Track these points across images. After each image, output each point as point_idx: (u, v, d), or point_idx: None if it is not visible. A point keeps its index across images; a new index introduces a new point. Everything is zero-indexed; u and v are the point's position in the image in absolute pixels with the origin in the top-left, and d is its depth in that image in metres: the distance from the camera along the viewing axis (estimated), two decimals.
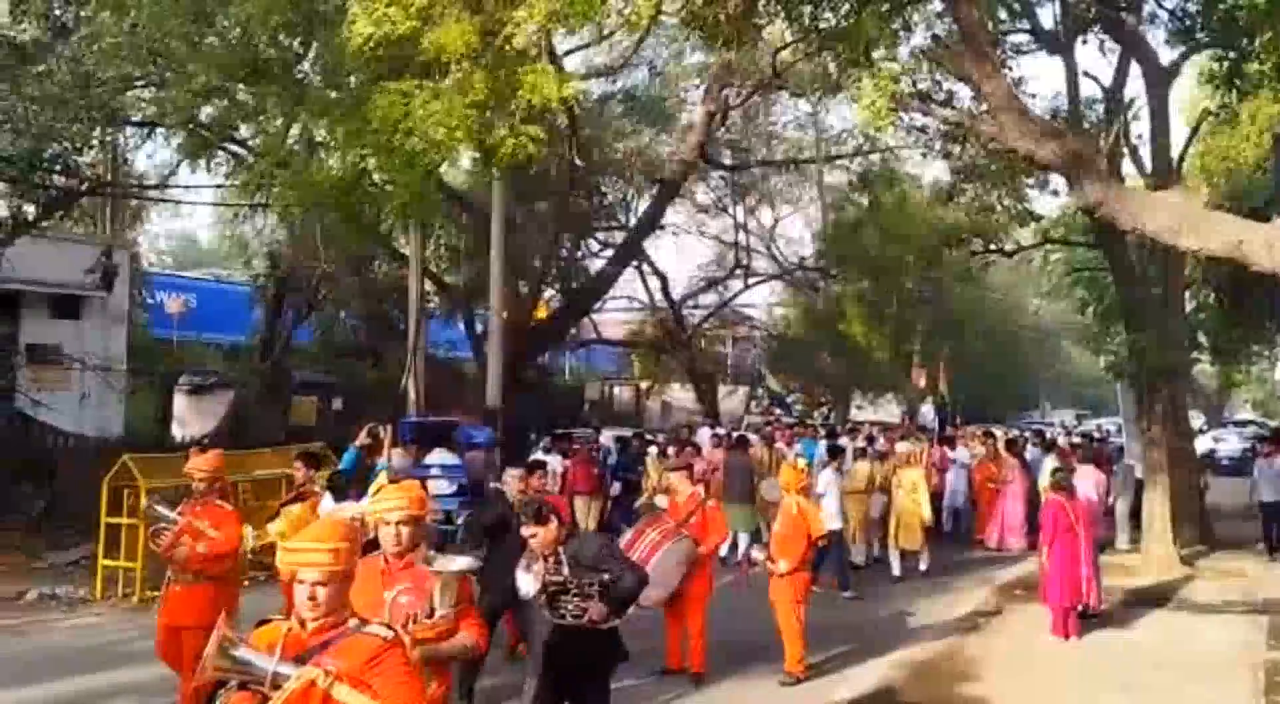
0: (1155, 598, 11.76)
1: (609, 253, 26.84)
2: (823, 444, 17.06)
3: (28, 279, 15.93)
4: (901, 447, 15.01)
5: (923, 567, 13.50)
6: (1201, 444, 23.41)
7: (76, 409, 16.37)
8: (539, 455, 14.69)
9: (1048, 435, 22.26)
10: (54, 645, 9.42)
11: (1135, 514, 15.05)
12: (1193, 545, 14.54)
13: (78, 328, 17.68)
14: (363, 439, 7.93)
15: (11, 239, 14.01)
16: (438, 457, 13.90)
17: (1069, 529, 9.81)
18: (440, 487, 12.91)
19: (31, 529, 13.65)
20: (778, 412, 30.54)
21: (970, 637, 10.04)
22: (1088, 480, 12.27)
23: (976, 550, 15.61)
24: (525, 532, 5.45)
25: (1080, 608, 9.97)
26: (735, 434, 18.20)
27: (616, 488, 15.93)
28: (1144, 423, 14.35)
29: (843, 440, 17.06)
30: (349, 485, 7.25)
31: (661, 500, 12.12)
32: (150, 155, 44.45)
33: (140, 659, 8.01)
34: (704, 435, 18.59)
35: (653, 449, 16.73)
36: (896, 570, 13.38)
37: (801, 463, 12.15)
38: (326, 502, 7.11)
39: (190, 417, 20.52)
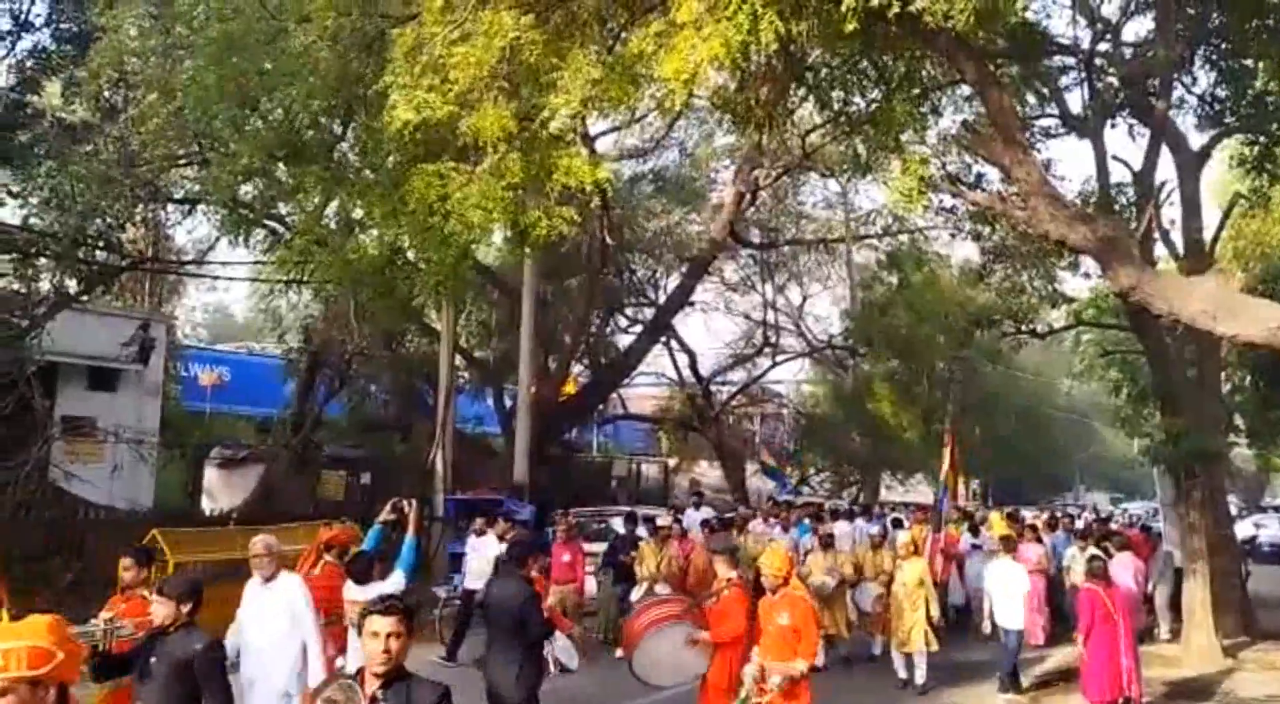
0: (1198, 691, 11.42)
1: (638, 329, 26.99)
2: (845, 523, 16.74)
3: (66, 352, 16.16)
4: (902, 536, 13.13)
5: (919, 678, 11.28)
6: (1242, 530, 22.91)
7: (108, 481, 16.45)
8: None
9: (1074, 519, 21.27)
10: None
11: (1175, 603, 14.65)
12: (1235, 635, 14.12)
13: (112, 400, 17.87)
14: (386, 514, 7.82)
15: (53, 313, 14.27)
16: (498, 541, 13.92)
17: (1107, 619, 9.53)
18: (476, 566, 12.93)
19: (59, 601, 13.61)
20: (772, 487, 29.96)
21: None
22: (1126, 568, 12.01)
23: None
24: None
25: (1122, 701, 9.67)
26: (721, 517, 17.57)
27: (592, 582, 14.46)
28: (1182, 509, 14.08)
29: (841, 524, 16.22)
30: (372, 565, 7.11)
31: (661, 589, 11.89)
32: (190, 231, 45.32)
33: None
34: (693, 518, 16.84)
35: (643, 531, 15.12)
36: (901, 672, 11.57)
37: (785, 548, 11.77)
38: (350, 589, 7.02)
39: (220, 490, 20.65)
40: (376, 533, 7.57)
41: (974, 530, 16.56)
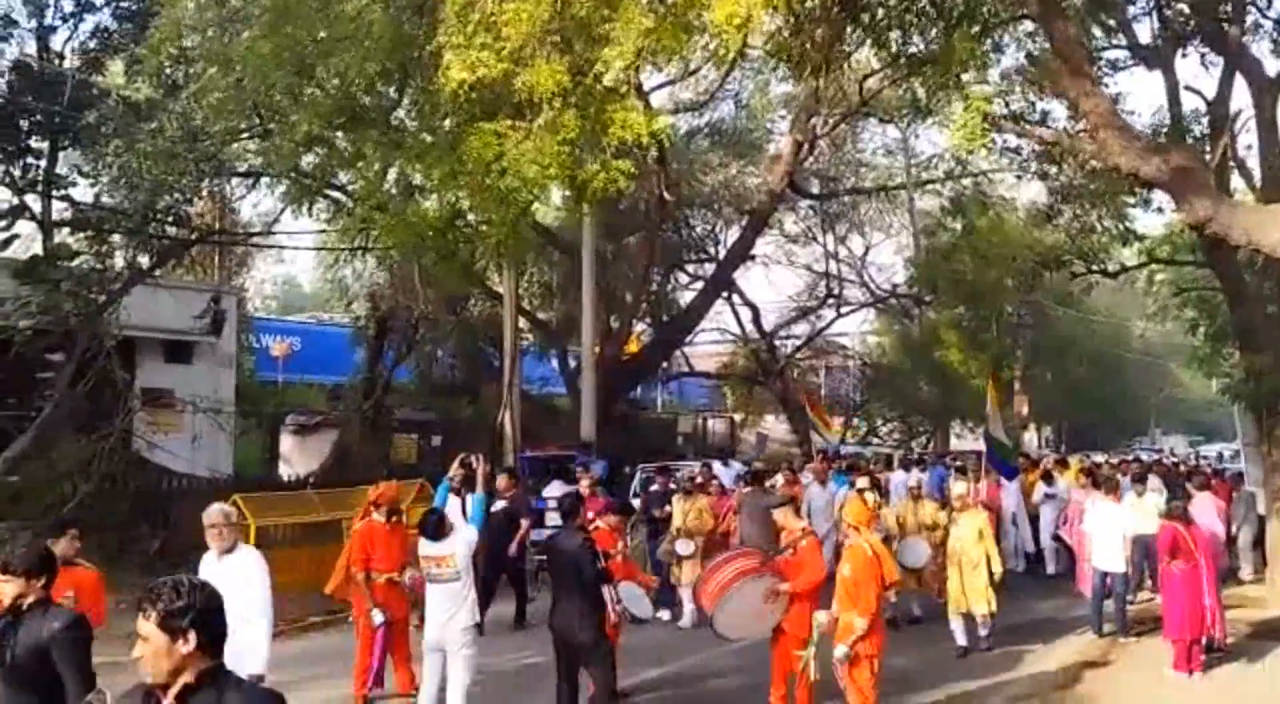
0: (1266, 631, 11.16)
1: (699, 285, 26.88)
2: (901, 473, 16.29)
3: (143, 326, 16.60)
4: (958, 487, 11.40)
5: (983, 632, 10.44)
6: None
7: (189, 450, 16.93)
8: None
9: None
10: None
11: (1259, 544, 14.33)
12: None
13: (189, 372, 18.33)
14: (455, 471, 7.96)
15: (128, 288, 14.64)
16: (554, 489, 14.05)
17: (1189, 557, 9.36)
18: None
19: (147, 567, 14.11)
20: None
21: (1087, 672, 9.63)
22: (1206, 508, 11.75)
23: (1062, 600, 13.35)
24: None
25: (1205, 642, 9.52)
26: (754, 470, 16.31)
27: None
28: (1264, 448, 13.72)
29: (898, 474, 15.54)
30: (443, 521, 7.19)
31: (682, 546, 11.51)
32: (255, 204, 46.20)
33: None
34: (723, 475, 16.11)
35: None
36: (961, 639, 10.47)
37: (871, 499, 11.27)
38: (424, 543, 7.15)
39: (296, 456, 21.16)
40: (445, 489, 7.69)
41: (1048, 478, 15.87)
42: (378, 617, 8.21)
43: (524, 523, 11.83)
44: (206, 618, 3.05)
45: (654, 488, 14.13)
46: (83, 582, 5.75)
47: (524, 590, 12.01)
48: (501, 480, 12.05)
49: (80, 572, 5.91)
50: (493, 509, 11.00)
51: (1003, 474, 14.71)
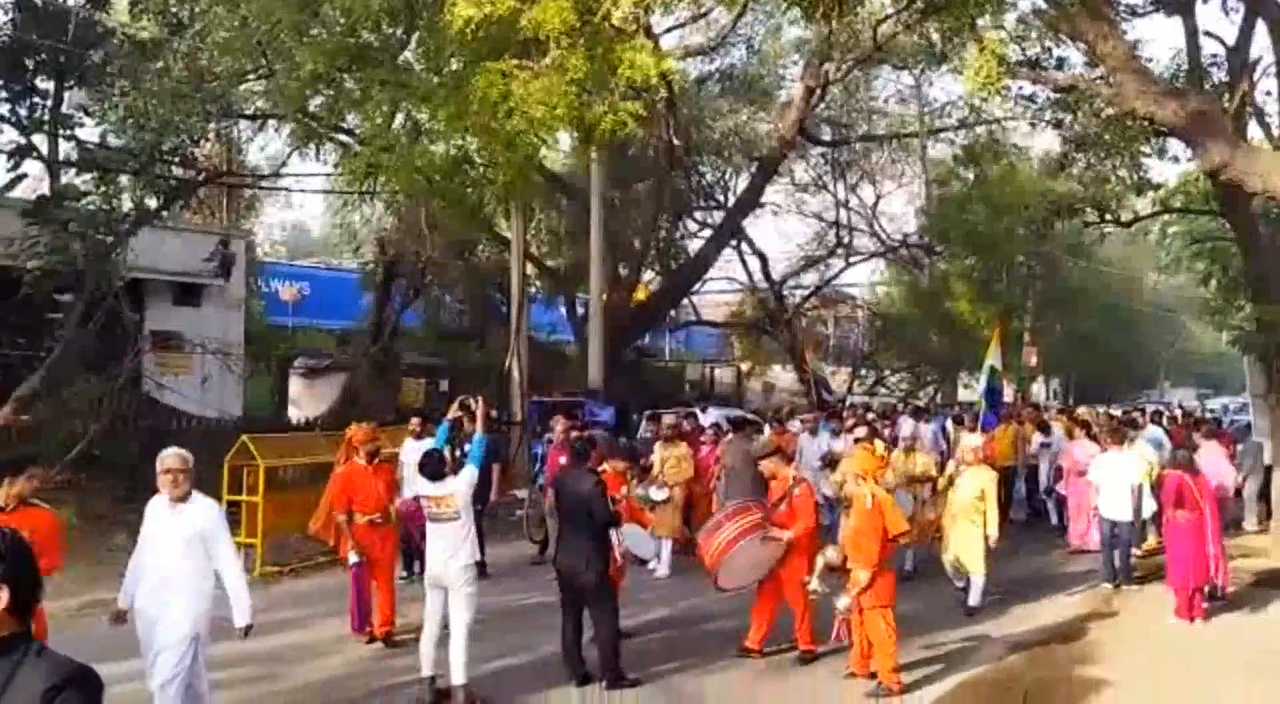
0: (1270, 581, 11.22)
1: (708, 233, 26.72)
2: (909, 422, 16.14)
3: (151, 268, 16.59)
4: (969, 439, 10.81)
5: (973, 601, 9.80)
6: None
7: (198, 392, 17.01)
8: None
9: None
10: None
11: (1265, 494, 14.34)
12: None
13: (198, 315, 18.35)
14: (454, 412, 7.99)
15: (136, 229, 14.60)
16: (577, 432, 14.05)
17: (1194, 507, 9.38)
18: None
19: None
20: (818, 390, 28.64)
21: (1090, 619, 9.70)
22: (1212, 457, 11.73)
23: (1062, 552, 13.37)
24: None
25: (1208, 590, 9.57)
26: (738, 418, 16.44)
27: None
28: (1272, 399, 13.68)
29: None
30: (444, 462, 7.18)
31: (657, 492, 10.43)
32: (263, 147, 45.91)
33: (260, 631, 8.26)
34: (702, 421, 15.99)
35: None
36: (960, 581, 10.03)
37: (880, 446, 11.17)
38: (423, 483, 7.20)
39: (305, 399, 21.26)
40: (445, 430, 7.73)
41: (1044, 429, 15.97)
42: (353, 557, 8.46)
43: (495, 468, 11.69)
44: (19, 575, 2.57)
45: (643, 435, 14.10)
46: (40, 522, 5.59)
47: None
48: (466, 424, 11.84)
49: (38, 512, 5.77)
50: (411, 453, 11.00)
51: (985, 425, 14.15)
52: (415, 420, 11.57)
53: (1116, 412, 20.10)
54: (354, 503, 8.62)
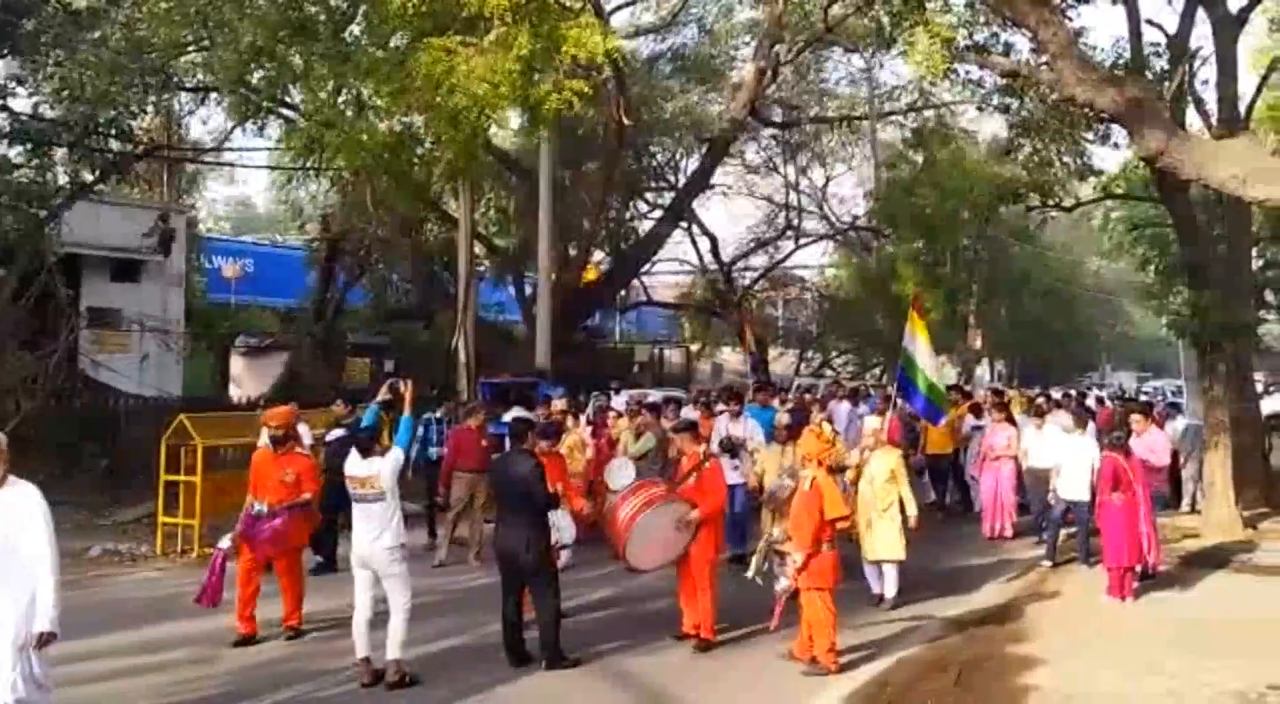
0: (1215, 559, 11.50)
1: (658, 214, 26.70)
2: (845, 405, 15.93)
3: (87, 243, 16.23)
4: (871, 422, 10.14)
5: (888, 591, 9.42)
6: (1268, 405, 22.73)
7: (136, 371, 16.71)
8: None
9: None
10: (117, 599, 9.67)
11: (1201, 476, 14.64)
12: (1256, 507, 14.18)
13: (137, 291, 18.00)
14: (383, 395, 7.95)
15: (70, 203, 14.26)
16: (515, 414, 13.95)
17: (1128, 487, 9.55)
18: None
19: (95, 487, 14.00)
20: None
21: (1023, 597, 9.88)
22: (1149, 439, 11.91)
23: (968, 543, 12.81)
24: None
25: (1140, 568, 9.76)
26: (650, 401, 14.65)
27: None
28: (1206, 382, 13.99)
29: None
30: (373, 442, 7.21)
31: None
32: (205, 121, 45.08)
33: (200, 611, 8.18)
34: (616, 402, 15.45)
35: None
36: (875, 586, 9.53)
37: (829, 430, 10.52)
38: (353, 460, 7.15)
39: (247, 377, 20.96)
40: (374, 411, 7.70)
41: (977, 411, 15.15)
42: (224, 542, 8.17)
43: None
44: None
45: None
46: None
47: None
48: (338, 407, 11.51)
49: None
50: (329, 438, 10.90)
51: (928, 418, 12.70)
52: (339, 403, 11.41)
53: (1057, 394, 20.36)
54: (254, 490, 8.32)
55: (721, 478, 8.25)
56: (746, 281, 31.88)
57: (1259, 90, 15.22)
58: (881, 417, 10.79)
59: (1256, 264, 18.28)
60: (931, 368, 11.07)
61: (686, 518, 7.72)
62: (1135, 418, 12.03)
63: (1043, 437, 12.43)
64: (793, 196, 31.55)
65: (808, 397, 17.06)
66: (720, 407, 12.81)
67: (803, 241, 32.39)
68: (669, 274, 33.39)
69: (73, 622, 5.77)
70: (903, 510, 9.24)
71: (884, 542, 9.23)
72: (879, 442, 9.52)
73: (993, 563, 11.77)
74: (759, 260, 32.63)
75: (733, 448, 10.86)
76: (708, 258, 30.04)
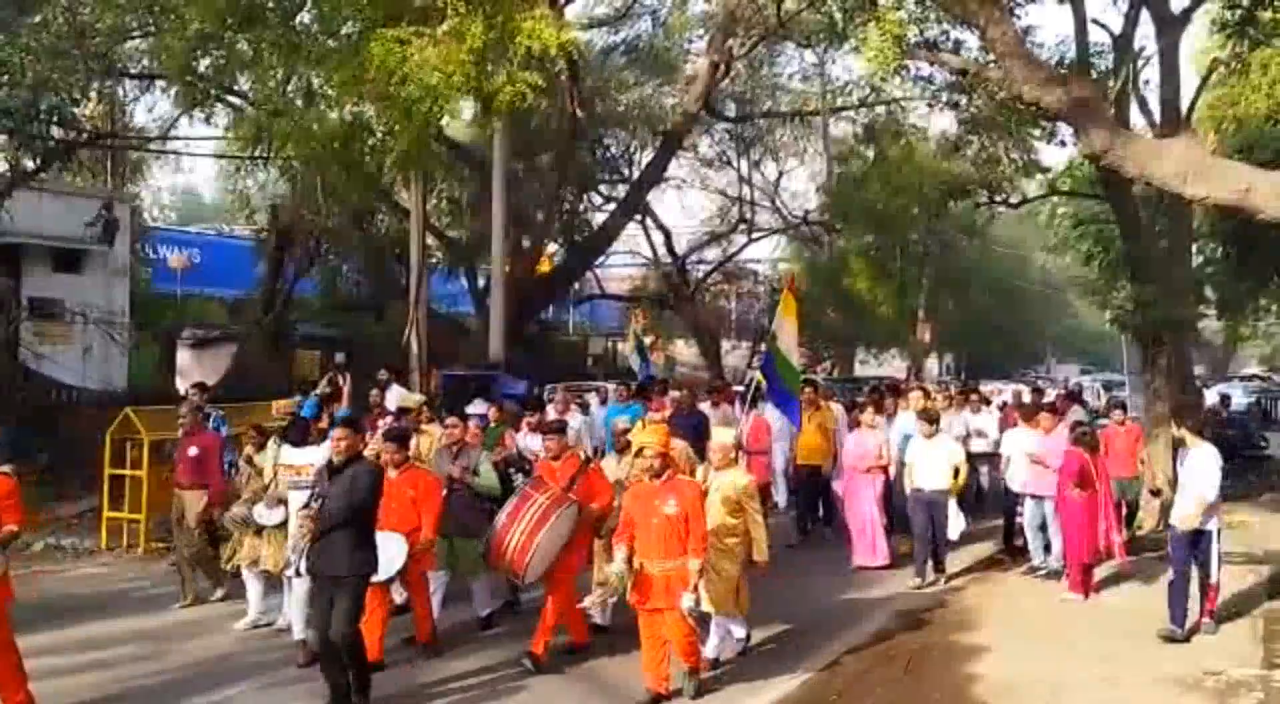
0: (1153, 547, 11.73)
1: (612, 206, 26.68)
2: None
3: (29, 232, 15.89)
4: (719, 435, 7.87)
5: (709, 651, 7.37)
6: (1212, 398, 23.28)
7: (79, 363, 16.41)
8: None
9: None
10: (61, 594, 9.51)
11: None
12: None
13: (79, 282, 17.66)
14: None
15: (10, 191, 13.94)
16: (477, 407, 13.83)
17: (1090, 485, 9.49)
18: None
19: (38, 481, 13.71)
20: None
21: (987, 600, 9.73)
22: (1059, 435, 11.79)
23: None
24: None
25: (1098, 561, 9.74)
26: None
27: None
28: (1147, 376, 14.28)
29: None
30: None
31: (266, 513, 7.82)
32: (150, 108, 44.27)
33: (146, 606, 8.10)
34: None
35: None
36: (712, 650, 7.49)
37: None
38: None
39: (193, 370, 20.58)
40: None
41: (878, 408, 12.70)
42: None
43: None
44: None
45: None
46: None
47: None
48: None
49: None
50: None
51: (784, 408, 10.91)
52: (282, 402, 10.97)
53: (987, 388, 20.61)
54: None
55: (605, 479, 7.63)
56: (700, 274, 31.99)
57: (1199, 91, 15.54)
58: (731, 428, 8.90)
59: (1196, 260, 18.66)
60: (795, 354, 10.16)
61: (576, 522, 7.23)
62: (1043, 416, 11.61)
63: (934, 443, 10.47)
64: (746, 190, 31.71)
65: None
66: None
67: (755, 235, 32.56)
68: (623, 266, 33.40)
69: (15, 617, 5.68)
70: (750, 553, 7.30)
71: (716, 593, 7.07)
72: (725, 460, 7.42)
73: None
74: (712, 253, 32.77)
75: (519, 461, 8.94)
76: (661, 250, 30.11)
